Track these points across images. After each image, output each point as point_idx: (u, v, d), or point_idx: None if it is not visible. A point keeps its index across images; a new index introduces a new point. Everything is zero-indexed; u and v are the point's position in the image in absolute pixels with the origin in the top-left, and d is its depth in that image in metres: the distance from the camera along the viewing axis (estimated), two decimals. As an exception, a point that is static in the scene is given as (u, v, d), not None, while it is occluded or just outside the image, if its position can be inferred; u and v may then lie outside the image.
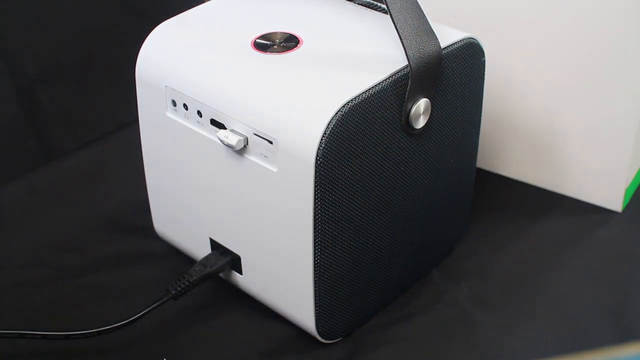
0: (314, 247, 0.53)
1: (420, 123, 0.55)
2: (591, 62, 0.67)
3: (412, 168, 0.57)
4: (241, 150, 0.54)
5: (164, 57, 0.58)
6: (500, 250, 0.67)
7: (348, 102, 0.51)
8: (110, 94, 0.81)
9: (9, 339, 0.57)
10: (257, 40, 0.57)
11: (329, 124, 0.50)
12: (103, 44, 0.82)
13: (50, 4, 0.79)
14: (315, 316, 0.56)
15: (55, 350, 0.58)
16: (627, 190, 0.71)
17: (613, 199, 0.71)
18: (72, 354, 0.58)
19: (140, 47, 0.60)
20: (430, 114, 0.56)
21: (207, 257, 0.61)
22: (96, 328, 0.57)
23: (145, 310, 0.57)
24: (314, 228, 0.53)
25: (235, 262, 0.60)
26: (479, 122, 0.62)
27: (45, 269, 0.66)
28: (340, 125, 0.50)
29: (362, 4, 0.62)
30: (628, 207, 0.72)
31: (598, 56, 0.67)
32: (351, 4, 0.62)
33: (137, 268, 0.66)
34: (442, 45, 0.55)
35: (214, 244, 0.61)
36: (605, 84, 0.67)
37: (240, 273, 0.60)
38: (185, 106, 0.57)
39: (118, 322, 0.57)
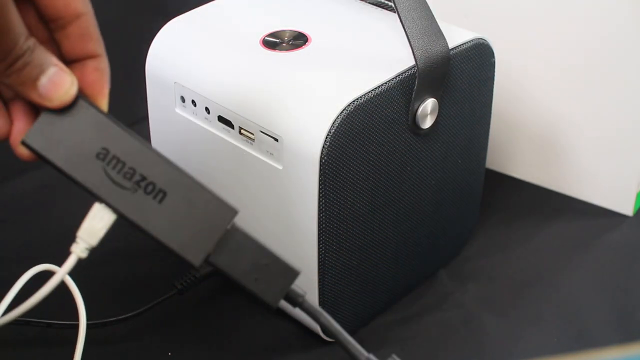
0: (318, 245, 0.53)
1: (427, 123, 0.55)
2: (603, 65, 0.67)
3: (419, 168, 0.57)
4: (248, 148, 0.55)
5: (173, 53, 0.59)
6: (508, 252, 0.67)
7: (354, 101, 0.51)
8: (122, 90, 0.81)
9: (15, 326, 0.57)
10: (266, 38, 0.57)
11: (334, 122, 0.50)
12: (116, 39, 0.82)
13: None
14: (320, 314, 0.57)
15: (60, 339, 0.59)
16: (638, 194, 0.70)
17: (624, 203, 0.70)
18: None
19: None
20: (438, 114, 0.56)
21: (213, 253, 0.61)
22: (101, 319, 0.57)
23: (151, 305, 0.58)
24: (319, 226, 0.53)
25: (241, 259, 0.60)
26: (489, 123, 0.62)
27: (55, 261, 0.66)
28: (345, 124, 0.50)
29: (371, 3, 0.62)
30: (640, 211, 0.71)
31: (610, 58, 0.66)
32: (361, 2, 0.62)
33: (146, 262, 0.66)
34: (451, 45, 0.55)
35: (221, 240, 0.61)
36: (617, 87, 0.67)
37: (246, 269, 0.60)
38: (193, 102, 0.57)
39: (123, 315, 0.57)
